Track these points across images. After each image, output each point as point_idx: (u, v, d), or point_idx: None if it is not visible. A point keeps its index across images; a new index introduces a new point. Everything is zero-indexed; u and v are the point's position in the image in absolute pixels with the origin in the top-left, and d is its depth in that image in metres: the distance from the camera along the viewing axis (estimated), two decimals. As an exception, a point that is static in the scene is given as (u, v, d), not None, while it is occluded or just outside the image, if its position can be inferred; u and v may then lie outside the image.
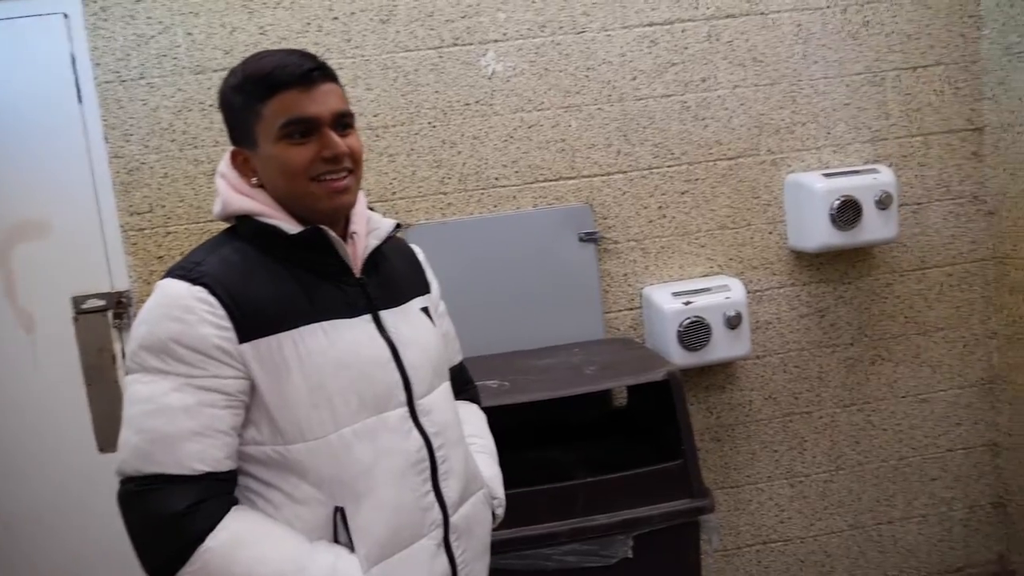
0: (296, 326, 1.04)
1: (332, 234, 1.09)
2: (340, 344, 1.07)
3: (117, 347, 2.23)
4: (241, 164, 1.11)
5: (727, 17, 2.31)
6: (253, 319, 1.01)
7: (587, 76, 2.29)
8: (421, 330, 1.20)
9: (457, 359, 1.39)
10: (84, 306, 2.20)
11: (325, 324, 1.06)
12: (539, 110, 2.28)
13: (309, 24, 2.22)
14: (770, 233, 2.39)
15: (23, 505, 2.25)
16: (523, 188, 2.29)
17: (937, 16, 2.39)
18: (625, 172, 2.32)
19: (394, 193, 2.26)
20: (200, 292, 1.00)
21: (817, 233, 2.28)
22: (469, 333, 2.13)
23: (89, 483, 2.22)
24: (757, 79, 2.35)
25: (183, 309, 0.99)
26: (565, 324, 2.27)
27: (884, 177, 2.29)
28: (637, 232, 2.34)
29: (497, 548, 1.34)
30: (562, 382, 1.89)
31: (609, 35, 2.28)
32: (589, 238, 2.28)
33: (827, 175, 2.29)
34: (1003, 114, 2.37)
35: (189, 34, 2.19)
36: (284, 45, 2.15)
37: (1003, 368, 2.50)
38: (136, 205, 2.22)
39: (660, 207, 2.34)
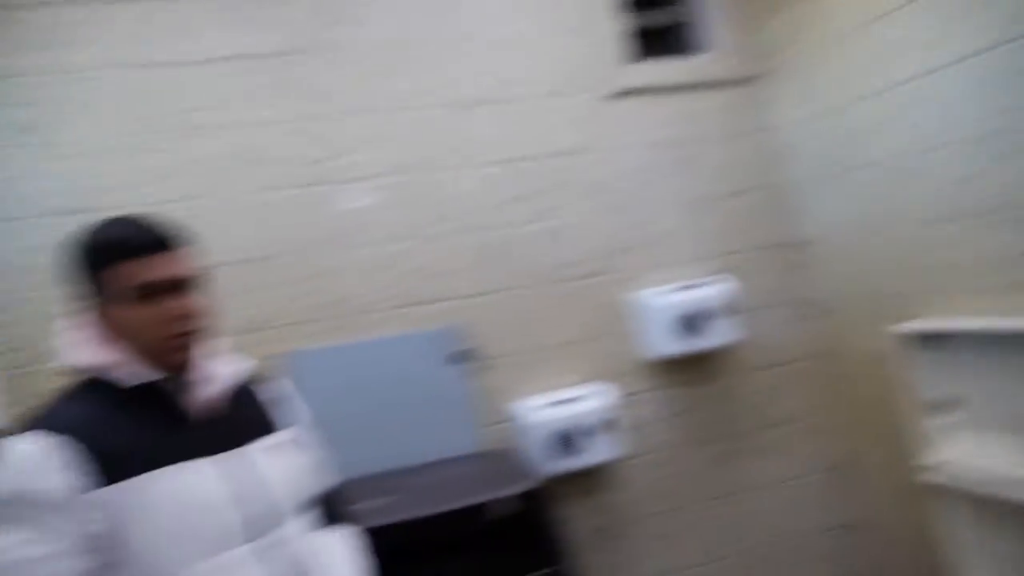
0: (144, 471, 1.11)
1: (169, 386, 1.19)
2: (184, 487, 1.14)
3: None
4: (99, 320, 1.19)
5: (571, 154, 2.60)
6: (101, 467, 1.08)
7: (447, 208, 2.48)
8: (275, 465, 1.27)
9: (326, 486, 1.44)
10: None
11: (170, 468, 1.13)
12: (402, 241, 2.44)
13: (178, 170, 2.32)
14: (626, 344, 2.59)
15: None
16: (391, 313, 2.41)
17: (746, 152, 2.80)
18: (486, 294, 2.49)
19: (268, 323, 2.32)
20: (49, 442, 1.06)
21: (666, 342, 2.51)
22: (346, 454, 2.18)
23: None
24: (605, 207, 2.62)
25: (32, 461, 1.05)
26: (440, 440, 2.34)
27: (723, 288, 2.56)
28: (504, 349, 2.48)
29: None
30: (437, 499, 1.94)
31: (460, 174, 2.50)
32: (458, 357, 2.40)
33: (672, 290, 2.54)
34: (816, 229, 2.73)
35: (63, 176, 2.24)
36: (157, 187, 2.27)
37: (847, 453, 2.73)
38: None
39: (523, 324, 2.50)
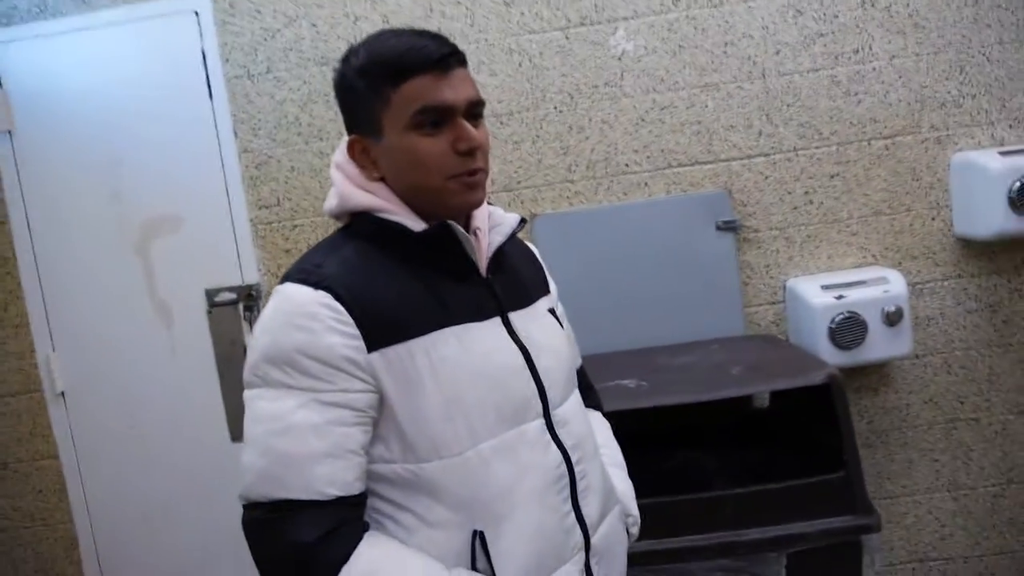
0: (427, 332, 0.94)
1: (461, 231, 0.98)
2: (474, 350, 0.96)
3: (247, 340, 2.26)
4: (359, 154, 1.00)
5: (886, -22, 2.09)
6: (381, 326, 0.91)
7: (725, 52, 2.12)
8: (551, 333, 1.09)
9: (578, 362, 1.25)
10: (217, 299, 2.24)
11: (457, 329, 0.96)
12: (672, 90, 2.13)
13: (432, 10, 2.15)
14: (933, 219, 2.15)
15: (160, 494, 2.32)
16: (655, 174, 2.15)
17: None
18: (767, 155, 2.14)
19: (519, 182, 2.17)
20: (324, 298, 0.90)
21: (991, 218, 2.02)
22: (599, 328, 2.07)
23: (221, 472, 2.26)
24: (919, 48, 2.10)
25: (308, 316, 0.90)
26: (702, 319, 2.12)
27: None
28: (780, 220, 2.15)
29: (635, 560, 1.22)
30: (708, 384, 1.74)
31: (749, 7, 2.10)
32: (727, 227, 2.12)
33: (1004, 153, 2.02)
34: None
35: (314, 26, 2.18)
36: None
37: None
38: (264, 199, 2.23)
39: (806, 192, 2.14)
